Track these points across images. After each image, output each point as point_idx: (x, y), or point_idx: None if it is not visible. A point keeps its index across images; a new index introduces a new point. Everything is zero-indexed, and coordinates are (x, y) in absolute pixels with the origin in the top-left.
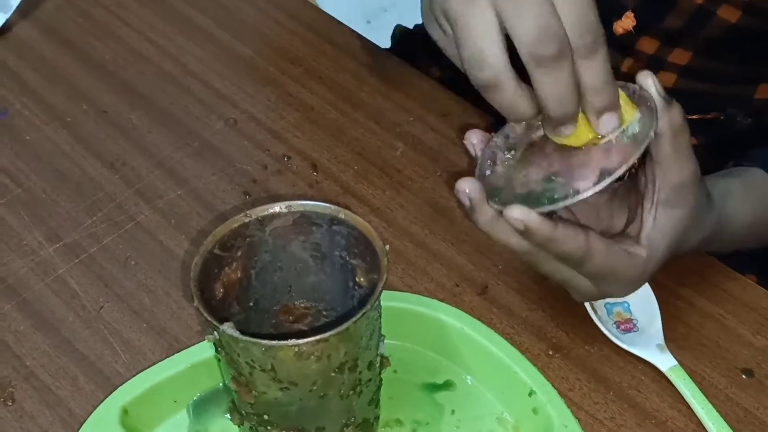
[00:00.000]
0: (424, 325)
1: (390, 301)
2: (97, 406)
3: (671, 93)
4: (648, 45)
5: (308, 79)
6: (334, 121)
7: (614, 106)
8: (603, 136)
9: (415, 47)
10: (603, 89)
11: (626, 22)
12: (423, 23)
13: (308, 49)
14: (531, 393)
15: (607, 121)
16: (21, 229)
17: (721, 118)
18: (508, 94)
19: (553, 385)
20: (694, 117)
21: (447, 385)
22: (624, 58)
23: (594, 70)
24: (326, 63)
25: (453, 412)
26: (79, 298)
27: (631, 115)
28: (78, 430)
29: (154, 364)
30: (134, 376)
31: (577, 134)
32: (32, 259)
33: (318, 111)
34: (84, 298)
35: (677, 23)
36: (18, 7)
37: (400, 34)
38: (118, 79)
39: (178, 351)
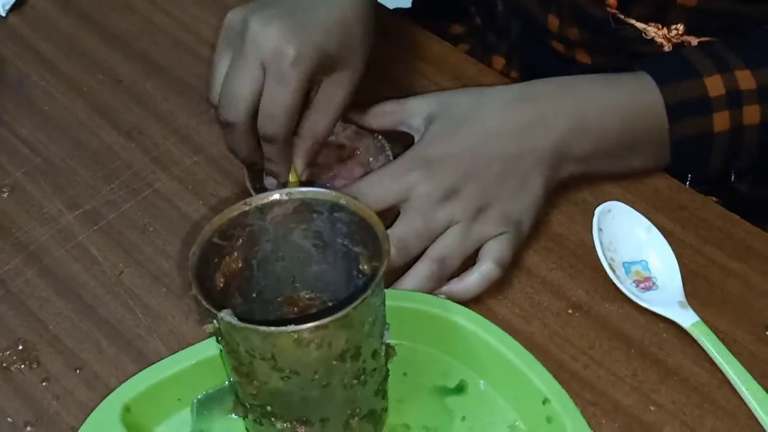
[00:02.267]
0: (438, 326)
1: (402, 301)
2: (119, 368)
3: (691, 11)
4: None
5: None
6: None
7: (276, 175)
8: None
9: (438, 6)
10: (270, 162)
11: None
12: None
13: None
14: (545, 401)
15: (269, 182)
16: (41, 197)
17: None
18: (235, 139)
19: (568, 394)
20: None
21: (459, 389)
22: None
23: (266, 149)
24: None
25: (464, 418)
26: (100, 264)
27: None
28: (102, 391)
29: (173, 328)
30: (137, 373)
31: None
32: (52, 226)
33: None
34: (104, 263)
35: None
36: None
37: None
38: (133, 49)
39: (197, 314)
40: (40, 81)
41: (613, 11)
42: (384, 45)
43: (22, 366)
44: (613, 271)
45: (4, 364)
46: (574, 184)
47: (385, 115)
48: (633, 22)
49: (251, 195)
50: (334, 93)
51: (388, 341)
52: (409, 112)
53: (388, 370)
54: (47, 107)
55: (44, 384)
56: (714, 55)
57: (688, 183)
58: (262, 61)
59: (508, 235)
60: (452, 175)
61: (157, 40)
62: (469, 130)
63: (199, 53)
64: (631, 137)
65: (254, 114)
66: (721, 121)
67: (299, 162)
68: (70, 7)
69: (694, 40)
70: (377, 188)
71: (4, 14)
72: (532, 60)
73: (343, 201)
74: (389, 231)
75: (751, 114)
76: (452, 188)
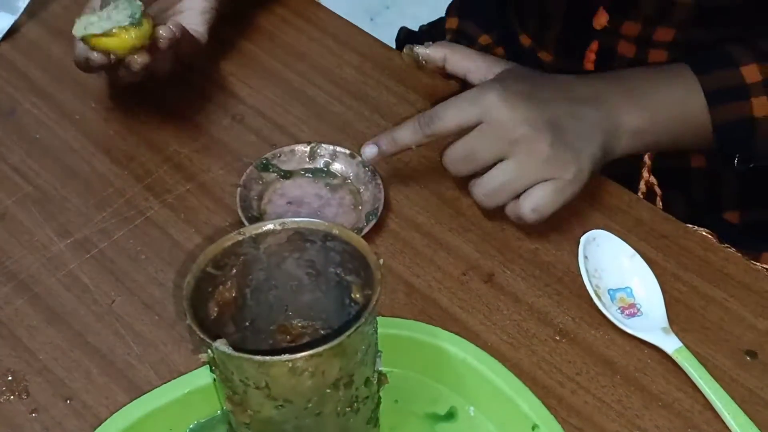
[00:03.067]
0: (428, 353)
1: (393, 328)
2: (110, 397)
3: (674, 45)
4: (631, 29)
5: (313, 74)
6: (340, 115)
7: None
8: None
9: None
10: None
11: (601, 18)
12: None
13: (313, 45)
14: (534, 427)
15: None
16: (32, 225)
17: None
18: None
19: (556, 419)
20: None
21: (449, 416)
22: (618, 41)
23: None
24: (330, 58)
25: None
26: (91, 293)
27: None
28: (92, 421)
29: (165, 356)
30: (128, 403)
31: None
32: (43, 254)
33: (323, 105)
34: (95, 292)
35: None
36: (26, 8)
37: (404, 35)
38: None
39: (189, 343)
40: (32, 109)
41: (590, 69)
42: (372, 73)
43: (11, 397)
44: (599, 298)
45: None
46: (559, 213)
47: (461, 56)
48: None
49: (243, 223)
50: None
51: (380, 369)
52: (486, 63)
53: (379, 398)
54: (39, 135)
55: (33, 415)
56: (754, 47)
57: (736, 163)
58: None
59: (558, 183)
60: (527, 103)
61: None
62: (540, 82)
63: (191, 80)
64: (678, 112)
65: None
66: (760, 106)
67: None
68: (63, 35)
69: None
70: (453, 109)
71: None
72: None
73: (335, 231)
74: (462, 140)
75: None
76: (526, 117)
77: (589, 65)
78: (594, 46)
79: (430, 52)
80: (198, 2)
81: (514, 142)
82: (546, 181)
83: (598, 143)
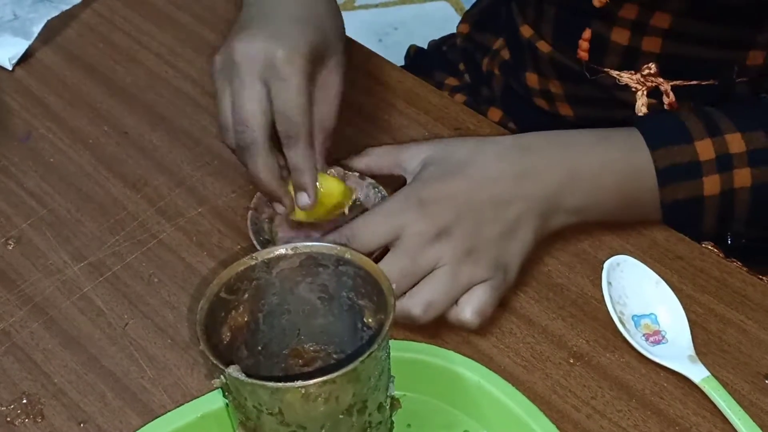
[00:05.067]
0: (441, 377)
1: (406, 352)
2: (124, 420)
3: (659, 57)
4: (630, 11)
5: None
6: (350, 137)
7: (307, 187)
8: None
9: (430, 63)
10: (297, 172)
11: None
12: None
13: None
14: None
15: (300, 198)
16: (46, 249)
17: (716, 83)
18: (259, 161)
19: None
20: (692, 83)
21: None
22: (612, 27)
23: (291, 157)
24: None
25: None
26: (105, 316)
27: (345, 195)
28: None
29: (178, 380)
30: (142, 426)
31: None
32: (58, 278)
33: (334, 127)
34: (109, 315)
35: None
36: (40, 33)
37: (414, 52)
38: (138, 102)
39: (203, 366)
40: (46, 133)
41: (585, 61)
42: (382, 95)
43: (26, 420)
44: (623, 324)
45: (8, 419)
46: (573, 235)
47: (381, 156)
48: (607, 70)
49: (255, 245)
50: (330, 82)
51: (393, 393)
52: (406, 156)
53: (392, 423)
54: (53, 159)
55: None
56: (706, 118)
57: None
58: (259, 74)
59: (493, 282)
60: (445, 215)
61: (162, 93)
62: (464, 174)
63: (203, 105)
64: (623, 194)
65: (269, 132)
66: (711, 185)
67: (319, 160)
68: (76, 60)
69: (666, 84)
70: (370, 228)
71: (11, 67)
72: (520, 116)
73: (348, 255)
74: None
75: (742, 177)
76: (444, 228)
77: (583, 54)
78: (587, 34)
79: (354, 163)
80: (333, 91)
81: (435, 257)
82: (480, 283)
83: (531, 228)
